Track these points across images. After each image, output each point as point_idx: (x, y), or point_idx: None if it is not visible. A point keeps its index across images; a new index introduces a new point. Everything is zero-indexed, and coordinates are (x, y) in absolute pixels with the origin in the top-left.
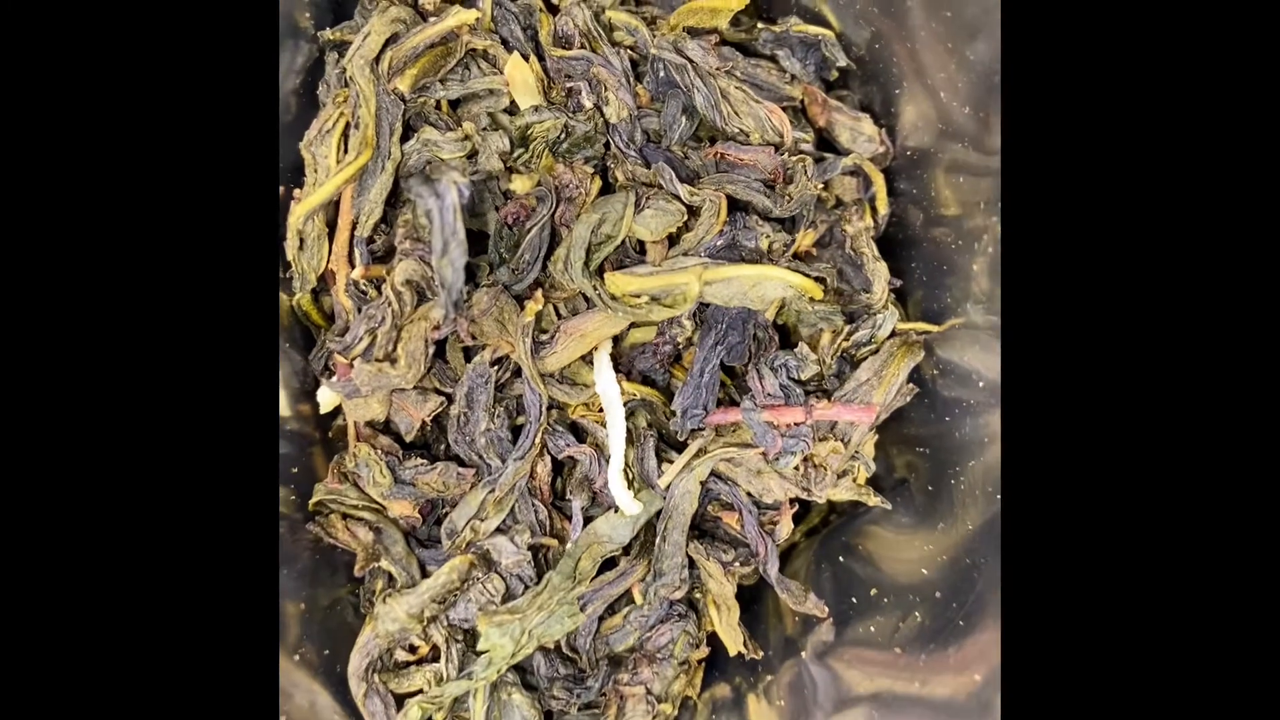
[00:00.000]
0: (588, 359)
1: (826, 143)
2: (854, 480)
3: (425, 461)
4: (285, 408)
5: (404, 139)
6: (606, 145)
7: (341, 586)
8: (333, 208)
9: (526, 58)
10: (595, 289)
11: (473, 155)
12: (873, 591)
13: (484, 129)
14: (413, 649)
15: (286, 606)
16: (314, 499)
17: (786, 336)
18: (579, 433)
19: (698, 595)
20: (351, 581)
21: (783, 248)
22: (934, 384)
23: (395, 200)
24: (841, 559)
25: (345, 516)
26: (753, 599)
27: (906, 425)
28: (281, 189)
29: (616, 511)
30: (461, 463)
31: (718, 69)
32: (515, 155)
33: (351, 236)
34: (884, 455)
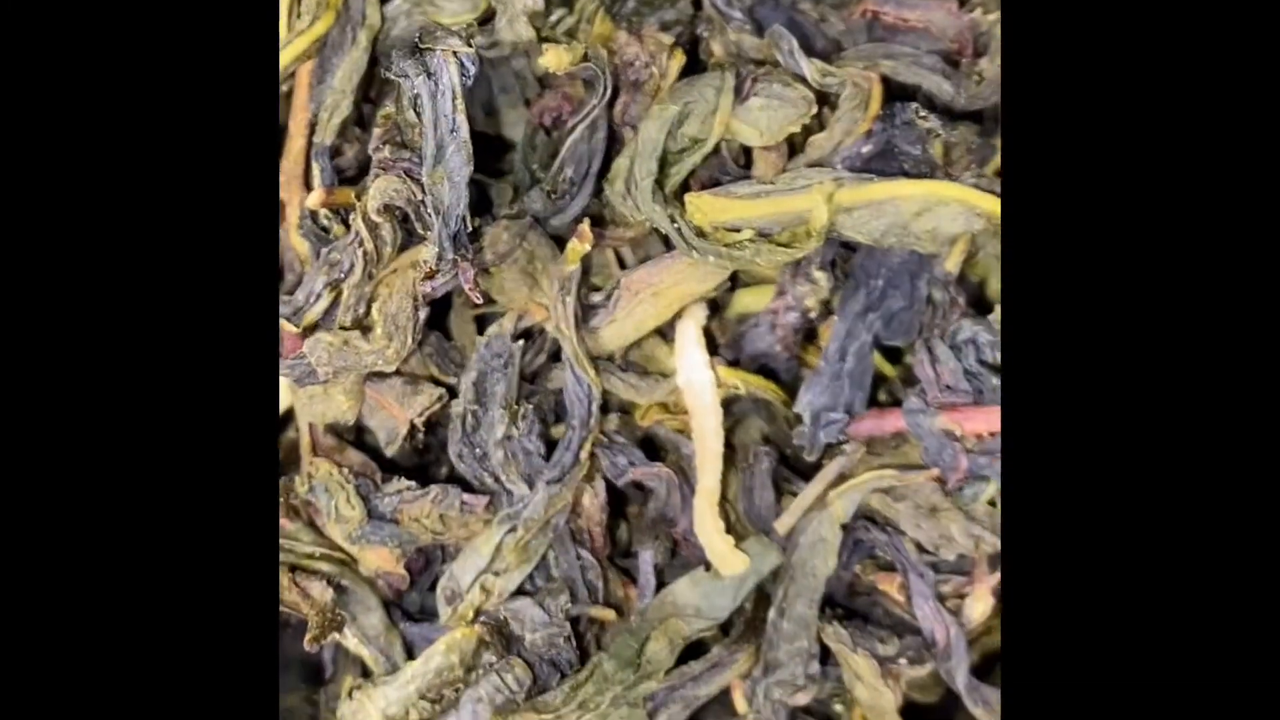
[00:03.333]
0: (667, 333)
1: None
2: None
3: (415, 485)
4: None
5: None
6: (697, 3)
7: (295, 690)
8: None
9: None
10: (674, 220)
11: (488, 19)
12: None
13: None
14: None
15: None
16: None
17: (982, 300)
18: (653, 449)
19: (839, 707)
20: (309, 683)
21: (967, 156)
22: None
23: (373, 90)
24: None
25: (294, 569)
26: (929, 714)
27: None
28: None
29: (709, 570)
30: (468, 487)
31: None
32: (554, 19)
33: (308, 146)
34: None
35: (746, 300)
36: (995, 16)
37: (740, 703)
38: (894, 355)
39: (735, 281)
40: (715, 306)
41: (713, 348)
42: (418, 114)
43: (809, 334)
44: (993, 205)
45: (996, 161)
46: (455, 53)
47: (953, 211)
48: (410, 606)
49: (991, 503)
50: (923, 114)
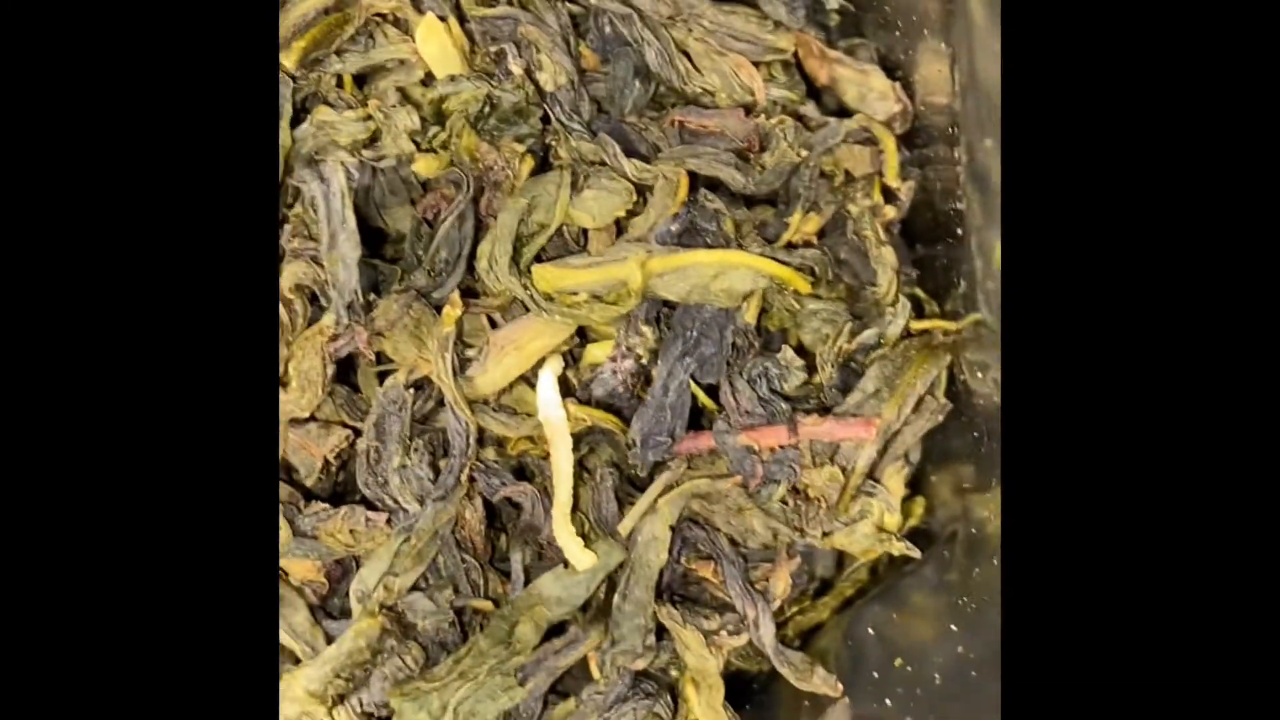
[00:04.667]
0: (530, 380)
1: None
2: (875, 525)
3: (329, 507)
4: None
5: (296, 123)
6: (546, 119)
7: None
8: None
9: (444, 19)
10: (526, 288)
11: (377, 137)
12: (896, 662)
13: (392, 106)
14: None
15: None
16: None
17: (772, 343)
18: (522, 472)
19: (674, 672)
20: None
21: (755, 231)
22: (968, 397)
23: (286, 195)
24: (871, 630)
25: None
26: (752, 678)
27: (951, 456)
28: None
29: (566, 567)
30: (372, 507)
31: (671, 18)
32: (430, 135)
33: None
34: (929, 496)
35: (594, 353)
36: (777, 119)
37: (594, 670)
38: (709, 389)
39: (585, 337)
40: (573, 358)
41: (569, 391)
42: (315, 211)
43: (644, 377)
44: (772, 268)
45: (785, 235)
46: (342, 162)
47: (742, 274)
48: (330, 607)
49: (783, 500)
50: (710, 199)
